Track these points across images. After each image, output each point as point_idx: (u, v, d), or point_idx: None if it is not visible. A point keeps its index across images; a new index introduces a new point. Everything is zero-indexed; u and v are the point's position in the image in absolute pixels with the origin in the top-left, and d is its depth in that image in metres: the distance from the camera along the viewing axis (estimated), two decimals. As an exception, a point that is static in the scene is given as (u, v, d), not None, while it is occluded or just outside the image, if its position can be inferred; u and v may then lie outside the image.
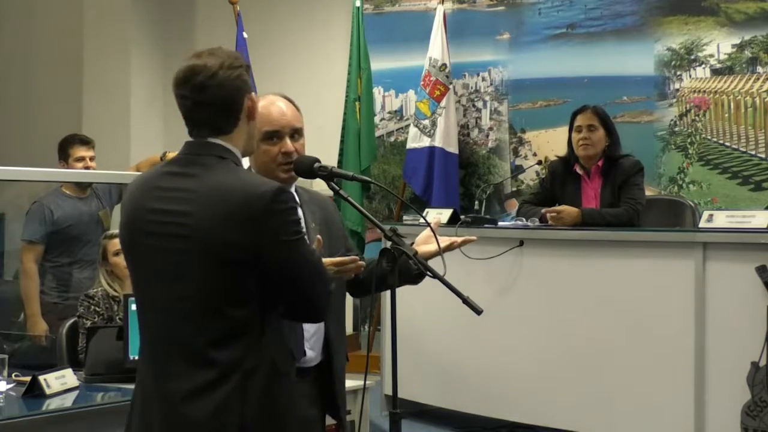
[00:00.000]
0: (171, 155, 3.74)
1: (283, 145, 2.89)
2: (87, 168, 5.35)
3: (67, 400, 3.37)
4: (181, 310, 2.32)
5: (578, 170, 5.15)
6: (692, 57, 6.27)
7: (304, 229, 2.79)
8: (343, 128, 7.04)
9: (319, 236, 2.72)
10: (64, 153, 5.41)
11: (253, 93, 2.46)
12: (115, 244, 4.36)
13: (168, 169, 2.42)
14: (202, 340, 2.29)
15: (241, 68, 2.42)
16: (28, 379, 3.45)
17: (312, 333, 2.90)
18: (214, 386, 2.28)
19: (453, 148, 6.88)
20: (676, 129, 6.35)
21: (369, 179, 3.31)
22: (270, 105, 2.88)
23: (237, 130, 2.41)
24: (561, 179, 5.23)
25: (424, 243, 2.97)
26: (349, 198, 2.99)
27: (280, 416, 2.35)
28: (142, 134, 7.98)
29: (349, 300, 7.27)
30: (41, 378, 3.41)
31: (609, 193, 5.05)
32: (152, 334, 2.40)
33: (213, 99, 2.36)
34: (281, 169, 2.89)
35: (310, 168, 2.88)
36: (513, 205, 6.78)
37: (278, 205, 2.30)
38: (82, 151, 5.39)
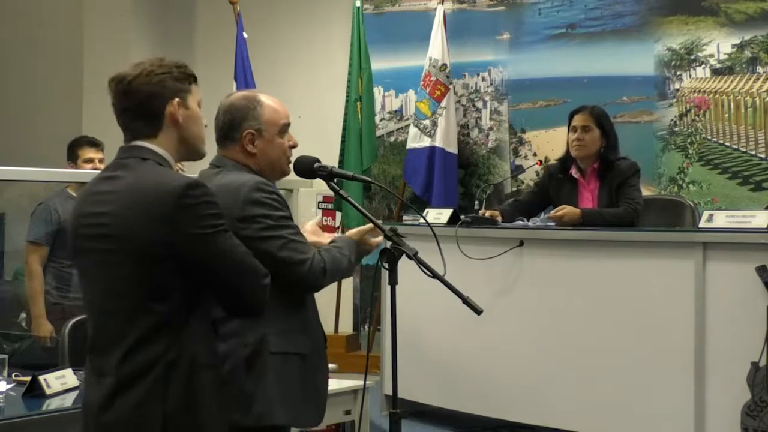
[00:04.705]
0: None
1: (290, 138, 2.89)
2: (96, 170, 5.35)
3: (67, 400, 3.35)
4: (109, 308, 2.39)
5: (574, 173, 5.13)
6: (692, 57, 6.27)
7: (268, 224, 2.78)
8: (344, 128, 7.03)
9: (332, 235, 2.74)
10: (73, 154, 5.42)
11: (178, 99, 2.47)
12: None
13: (102, 175, 2.52)
14: (130, 337, 2.34)
15: (164, 75, 2.48)
16: (28, 379, 3.44)
17: None
18: (137, 380, 2.33)
19: (453, 148, 6.87)
20: (676, 129, 6.35)
21: (369, 179, 3.32)
22: (272, 99, 2.89)
23: (162, 134, 2.47)
24: (557, 180, 5.22)
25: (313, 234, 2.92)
26: (350, 198, 2.99)
27: (201, 408, 2.38)
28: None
29: (349, 300, 7.37)
30: (41, 378, 3.40)
31: (606, 195, 5.04)
32: (90, 336, 2.46)
33: (132, 104, 2.46)
34: (289, 161, 2.91)
35: (310, 168, 2.88)
36: (513, 206, 6.77)
37: (188, 200, 2.34)
38: (91, 153, 5.39)
